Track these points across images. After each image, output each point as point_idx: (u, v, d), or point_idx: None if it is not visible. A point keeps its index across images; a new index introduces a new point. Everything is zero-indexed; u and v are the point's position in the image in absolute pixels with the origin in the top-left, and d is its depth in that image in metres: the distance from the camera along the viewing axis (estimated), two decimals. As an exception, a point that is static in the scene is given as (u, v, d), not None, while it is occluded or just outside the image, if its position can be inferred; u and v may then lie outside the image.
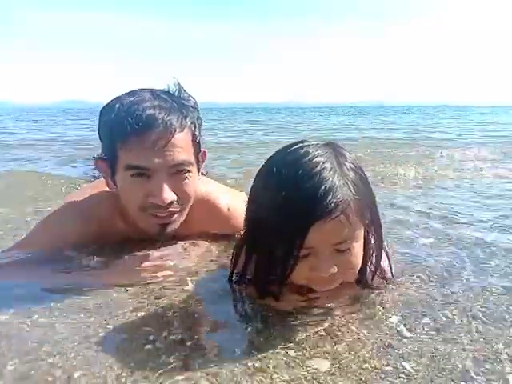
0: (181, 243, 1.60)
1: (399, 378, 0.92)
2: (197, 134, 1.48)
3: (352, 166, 1.10)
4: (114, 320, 1.16)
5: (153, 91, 1.43)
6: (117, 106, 1.38)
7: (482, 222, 2.12)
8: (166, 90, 1.49)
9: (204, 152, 1.56)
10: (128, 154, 1.36)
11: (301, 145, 1.10)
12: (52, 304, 1.24)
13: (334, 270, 1.08)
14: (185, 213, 1.50)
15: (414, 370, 0.95)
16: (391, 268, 1.32)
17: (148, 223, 1.45)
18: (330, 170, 1.03)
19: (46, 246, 1.49)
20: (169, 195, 1.38)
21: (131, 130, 1.32)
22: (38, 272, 1.42)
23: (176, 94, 1.48)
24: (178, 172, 1.41)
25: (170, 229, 1.48)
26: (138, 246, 1.55)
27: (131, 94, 1.42)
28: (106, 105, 1.45)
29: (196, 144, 1.48)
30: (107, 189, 1.54)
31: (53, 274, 1.41)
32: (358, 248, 1.11)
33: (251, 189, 1.18)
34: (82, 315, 1.19)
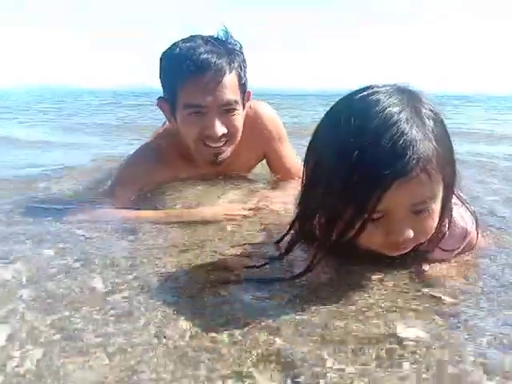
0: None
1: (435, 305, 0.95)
2: (242, 75, 1.69)
3: (431, 113, 0.94)
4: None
5: (204, 38, 1.65)
6: (177, 50, 1.63)
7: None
8: (215, 36, 1.69)
9: (249, 92, 1.76)
10: (186, 94, 1.61)
11: (370, 91, 0.94)
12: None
13: (411, 234, 0.94)
14: (234, 144, 1.74)
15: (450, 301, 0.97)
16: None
17: (203, 153, 1.72)
18: (408, 121, 0.88)
19: (133, 186, 1.72)
20: (220, 129, 1.63)
21: (188, 72, 1.56)
22: (126, 213, 1.57)
23: (224, 39, 1.69)
24: (227, 110, 1.64)
25: (221, 157, 1.73)
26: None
27: (187, 40, 1.65)
28: (166, 51, 1.69)
29: (242, 85, 1.69)
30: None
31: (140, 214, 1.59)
32: (436, 209, 0.96)
33: (310, 142, 1.04)
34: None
